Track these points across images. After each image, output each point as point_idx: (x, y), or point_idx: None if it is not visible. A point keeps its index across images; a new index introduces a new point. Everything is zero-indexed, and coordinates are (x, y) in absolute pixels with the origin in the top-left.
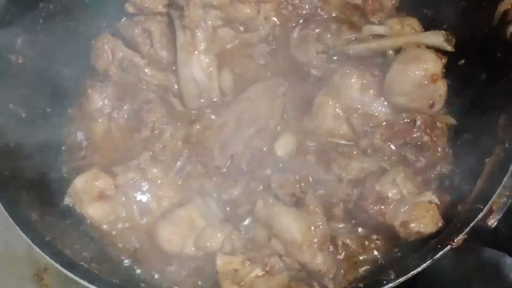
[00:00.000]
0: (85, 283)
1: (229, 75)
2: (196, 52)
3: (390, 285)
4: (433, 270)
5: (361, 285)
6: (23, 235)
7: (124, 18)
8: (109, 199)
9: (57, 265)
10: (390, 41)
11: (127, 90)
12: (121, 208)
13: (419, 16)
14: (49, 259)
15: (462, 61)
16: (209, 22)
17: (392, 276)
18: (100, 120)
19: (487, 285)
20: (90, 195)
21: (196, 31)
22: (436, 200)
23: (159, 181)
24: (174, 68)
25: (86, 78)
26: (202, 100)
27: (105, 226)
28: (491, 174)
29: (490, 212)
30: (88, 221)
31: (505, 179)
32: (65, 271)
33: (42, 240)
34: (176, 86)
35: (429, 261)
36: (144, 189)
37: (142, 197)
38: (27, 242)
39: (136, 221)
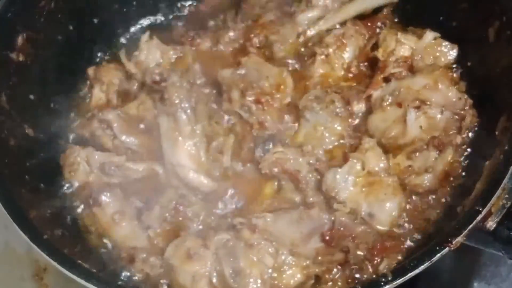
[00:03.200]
0: (85, 283)
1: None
2: (180, 138)
3: (387, 286)
4: (433, 271)
5: (359, 286)
6: (21, 233)
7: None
8: None
9: (55, 263)
10: None
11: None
12: None
13: None
14: (48, 258)
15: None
16: (193, 99)
17: (390, 278)
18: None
19: (487, 286)
20: None
21: (178, 114)
22: None
23: None
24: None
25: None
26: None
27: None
28: (490, 176)
29: (489, 214)
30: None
31: (504, 181)
32: (64, 270)
33: (40, 238)
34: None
35: (427, 263)
36: None
37: None
38: (27, 242)
39: None
